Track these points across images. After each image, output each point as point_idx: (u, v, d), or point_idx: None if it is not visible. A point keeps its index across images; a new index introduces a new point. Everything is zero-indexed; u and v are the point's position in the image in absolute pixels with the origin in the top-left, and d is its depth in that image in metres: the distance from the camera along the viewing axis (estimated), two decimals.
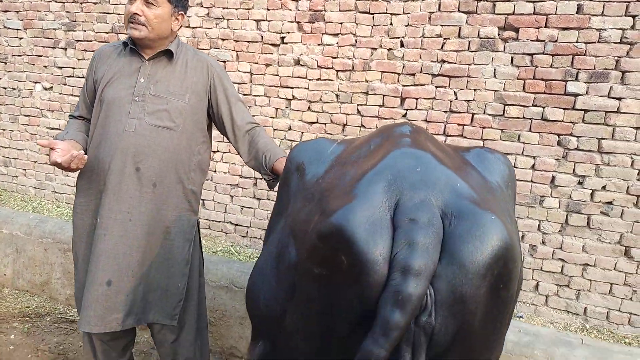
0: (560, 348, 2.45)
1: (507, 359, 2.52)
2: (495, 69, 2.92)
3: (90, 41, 3.97)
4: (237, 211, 3.69)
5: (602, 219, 2.80)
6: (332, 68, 3.28)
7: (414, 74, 3.09)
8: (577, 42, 2.74)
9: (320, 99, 3.35)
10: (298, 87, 3.40)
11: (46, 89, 4.23)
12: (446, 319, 1.05)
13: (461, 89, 3.01)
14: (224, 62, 3.56)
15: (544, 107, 2.85)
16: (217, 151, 3.69)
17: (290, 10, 3.36)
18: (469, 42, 2.95)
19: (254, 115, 3.50)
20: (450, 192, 1.11)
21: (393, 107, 3.18)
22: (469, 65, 2.96)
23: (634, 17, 2.63)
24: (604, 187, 2.79)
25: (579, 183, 2.85)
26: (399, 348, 1.08)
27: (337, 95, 3.31)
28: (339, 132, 3.34)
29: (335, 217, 1.07)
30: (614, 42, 2.67)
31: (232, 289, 2.99)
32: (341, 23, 3.23)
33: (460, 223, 1.06)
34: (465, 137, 3.02)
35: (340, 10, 3.22)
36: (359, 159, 1.29)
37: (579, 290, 2.89)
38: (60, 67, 4.13)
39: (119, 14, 3.84)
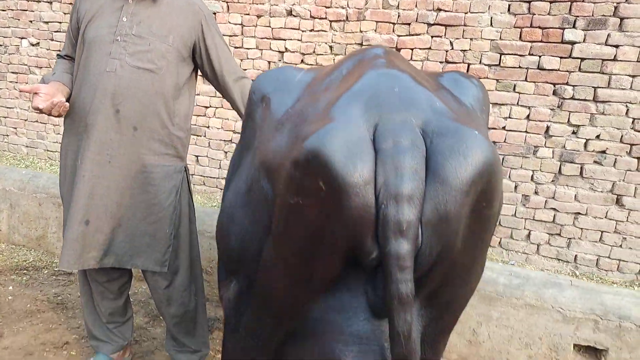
0: (549, 289, 2.51)
1: (498, 301, 2.59)
2: (492, 17, 2.87)
3: None
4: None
5: (595, 168, 2.82)
6: (326, 18, 3.22)
7: (409, 24, 3.04)
8: None
9: (314, 51, 3.30)
10: (291, 39, 3.34)
11: (33, 45, 4.13)
12: (430, 239, 1.02)
13: (457, 39, 2.96)
14: (215, 13, 3.47)
15: (540, 56, 2.82)
16: (210, 106, 3.65)
17: None
18: None
19: (245, 69, 3.46)
20: (430, 111, 1.07)
21: None
22: (465, 13, 2.91)
23: None
24: (597, 137, 2.80)
25: (573, 133, 2.85)
26: (377, 270, 1.06)
27: (330, 47, 3.26)
28: None
29: (310, 141, 1.01)
30: None
31: None
32: None
33: (442, 140, 1.02)
34: None
35: None
36: (332, 85, 1.22)
37: (570, 238, 2.94)
38: (47, 22, 4.02)
39: None
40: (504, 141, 2.98)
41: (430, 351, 1.25)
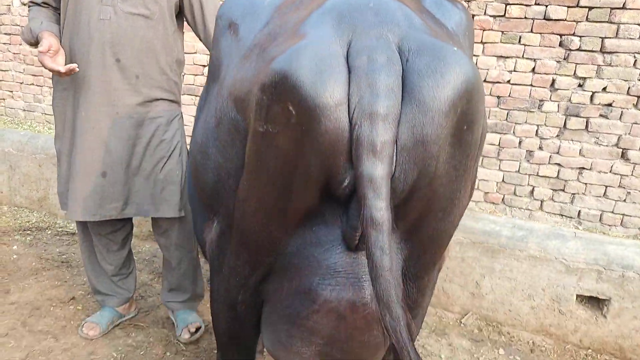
0: (553, 241, 2.51)
1: (501, 253, 2.59)
2: None
3: None
4: None
5: (600, 122, 2.79)
6: None
7: None
8: None
9: None
10: None
11: (24, 4, 4.02)
12: (406, 165, 0.95)
13: None
14: None
15: (546, 6, 2.74)
16: (207, 65, 3.58)
17: None
18: None
19: None
20: (407, 28, 0.99)
21: None
22: None
23: None
24: (604, 89, 2.75)
25: (579, 85, 2.80)
26: (350, 201, 1.01)
27: None
28: None
29: (277, 62, 0.93)
30: None
31: None
32: None
33: (419, 58, 0.94)
34: None
35: None
36: (303, 3, 1.14)
37: (574, 194, 2.92)
38: None
39: None
40: (509, 95, 2.93)
41: (415, 289, 1.21)
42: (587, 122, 2.81)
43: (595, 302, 2.53)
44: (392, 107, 0.91)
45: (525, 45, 2.85)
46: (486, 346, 2.52)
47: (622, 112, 2.74)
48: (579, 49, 2.74)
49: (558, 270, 2.51)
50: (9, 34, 4.14)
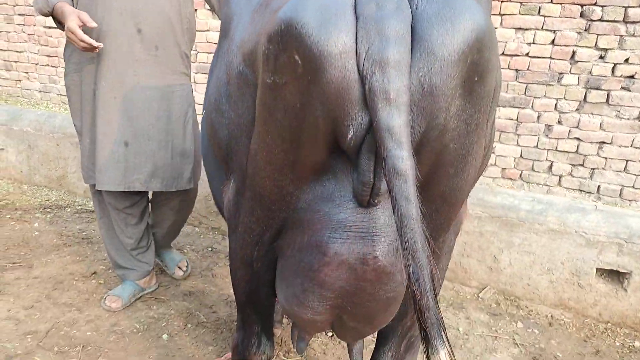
0: (573, 214, 2.49)
1: (520, 226, 2.58)
2: None
3: None
4: None
5: (622, 95, 2.73)
6: None
7: None
8: None
9: None
10: None
11: None
12: (414, 117, 0.93)
13: None
14: None
15: None
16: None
17: None
18: None
19: None
20: None
21: None
22: None
23: None
24: (626, 60, 2.69)
25: (601, 57, 2.74)
26: (359, 156, 0.99)
27: None
28: None
29: (284, 11, 0.91)
30: None
31: None
32: None
33: (429, 5, 0.91)
34: None
35: None
36: None
37: (593, 168, 2.88)
38: None
39: None
40: (527, 69, 2.88)
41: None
42: (608, 95, 2.76)
43: (616, 276, 2.51)
44: (403, 53, 0.89)
45: (544, 16, 2.79)
46: (504, 320, 2.52)
47: None
48: (600, 20, 2.68)
49: (578, 243, 2.49)
50: (23, 15, 4.15)
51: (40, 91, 4.32)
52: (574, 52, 2.77)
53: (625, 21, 2.64)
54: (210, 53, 3.57)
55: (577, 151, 2.90)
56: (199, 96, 3.63)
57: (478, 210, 2.66)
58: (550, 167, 2.98)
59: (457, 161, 1.05)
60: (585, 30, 2.73)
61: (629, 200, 2.84)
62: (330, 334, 2.29)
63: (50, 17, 1.99)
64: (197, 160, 2.26)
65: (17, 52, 4.31)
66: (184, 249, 3.02)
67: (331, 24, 0.88)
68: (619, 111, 2.77)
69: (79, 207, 3.46)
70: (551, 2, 2.75)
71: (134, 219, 2.32)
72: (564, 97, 2.86)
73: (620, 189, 2.85)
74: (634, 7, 2.60)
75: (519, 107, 2.94)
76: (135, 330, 2.19)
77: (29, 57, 4.28)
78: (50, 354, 1.98)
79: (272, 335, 1.58)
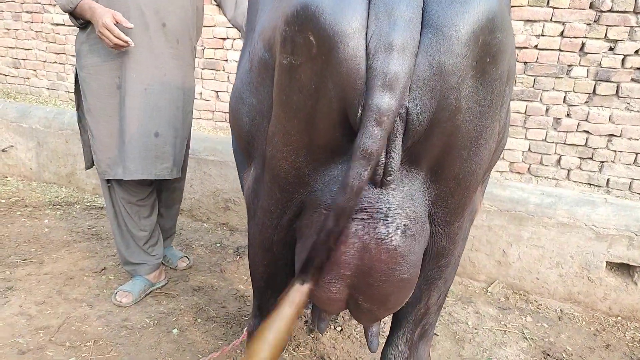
0: (582, 207, 2.47)
1: (529, 220, 2.57)
2: None
3: None
4: None
5: (632, 87, 2.70)
6: None
7: None
8: None
9: None
10: None
11: None
12: (423, 97, 0.95)
13: None
14: None
15: None
16: (227, 38, 3.56)
17: None
18: None
19: None
20: None
21: None
22: None
23: None
24: (636, 52, 2.66)
25: (610, 49, 2.71)
26: None
27: None
28: None
29: None
30: None
31: None
32: None
33: None
34: None
35: None
36: None
37: (603, 162, 2.86)
38: None
39: None
40: (536, 61, 2.86)
41: (444, 235, 1.22)
42: (617, 87, 2.73)
43: (626, 269, 2.50)
44: (410, 38, 0.91)
45: (553, 7, 2.76)
46: (513, 314, 2.51)
47: None
48: (610, 10, 2.65)
49: (587, 237, 2.47)
50: (31, 12, 4.17)
51: (48, 88, 4.35)
52: (583, 44, 2.75)
53: (635, 12, 2.60)
54: (217, 48, 3.57)
55: (586, 144, 2.87)
56: (205, 92, 3.63)
57: (487, 204, 2.65)
58: (559, 160, 2.95)
59: (471, 144, 1.06)
60: (594, 21, 2.70)
61: (639, 194, 2.82)
62: (339, 328, 2.29)
63: (68, 14, 2.05)
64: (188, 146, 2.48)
65: (25, 49, 4.33)
66: (192, 245, 3.03)
67: (345, 5, 0.92)
68: (628, 103, 2.74)
69: (88, 204, 3.48)
70: None
71: (147, 211, 2.38)
72: (573, 90, 2.83)
73: (630, 182, 2.82)
74: None
75: (527, 100, 2.92)
76: (145, 325, 2.21)
77: (37, 54, 4.30)
78: (62, 349, 2.00)
79: None
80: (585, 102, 2.83)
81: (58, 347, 2.01)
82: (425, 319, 1.43)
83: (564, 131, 2.91)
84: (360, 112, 0.97)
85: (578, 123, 2.87)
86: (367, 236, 1.10)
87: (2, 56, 4.43)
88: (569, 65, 2.80)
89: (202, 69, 3.57)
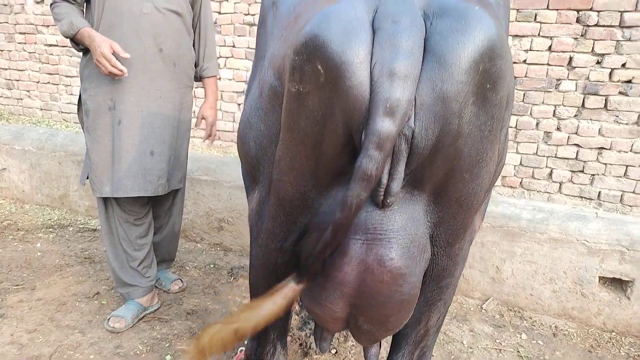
0: (574, 222, 2.47)
1: (521, 236, 2.57)
2: None
3: None
4: None
5: (620, 99, 2.72)
6: None
7: None
8: None
9: None
10: None
11: (38, 3, 4.06)
12: (426, 122, 0.99)
13: None
14: None
15: None
16: (220, 57, 3.58)
17: None
18: None
19: (254, 14, 3.37)
20: None
21: None
22: None
23: None
24: (623, 65, 2.68)
25: (598, 62, 2.73)
26: None
27: None
28: None
29: (309, 25, 1.00)
30: None
31: None
32: None
33: (441, 19, 0.98)
34: None
35: None
36: None
37: (594, 174, 2.87)
38: None
39: None
40: (525, 75, 2.88)
41: (445, 256, 1.25)
42: (606, 100, 2.75)
43: (619, 284, 2.49)
44: (412, 66, 0.95)
45: (541, 22, 2.78)
46: (508, 332, 2.50)
47: None
48: (596, 25, 2.67)
49: (580, 252, 2.47)
50: (24, 34, 4.19)
51: (41, 109, 4.36)
52: (571, 58, 2.77)
53: (621, 26, 2.63)
54: None
55: (576, 157, 2.89)
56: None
57: None
58: (551, 174, 2.96)
59: (472, 166, 1.10)
60: (581, 35, 2.72)
61: (630, 206, 2.83)
62: (334, 350, 2.28)
63: (69, 40, 2.14)
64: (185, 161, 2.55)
65: (19, 70, 4.35)
66: (186, 267, 3.02)
67: (352, 36, 0.97)
68: (617, 116, 2.75)
69: (82, 226, 3.47)
70: (547, 8, 2.74)
71: (143, 230, 2.41)
72: (562, 104, 2.85)
73: (621, 195, 2.83)
74: (629, 11, 2.59)
75: (517, 115, 2.94)
76: (138, 352, 2.20)
77: (31, 75, 4.31)
78: None
79: (286, 344, 1.63)
80: (575, 116, 2.84)
81: None
82: (424, 340, 1.45)
83: (554, 144, 2.92)
84: (364, 136, 1.00)
85: (568, 136, 2.88)
86: (369, 257, 1.13)
87: None
88: (558, 79, 2.82)
89: (195, 88, 3.58)
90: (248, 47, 3.49)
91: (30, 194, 3.82)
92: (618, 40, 2.65)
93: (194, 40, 2.42)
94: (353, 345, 2.30)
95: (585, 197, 2.91)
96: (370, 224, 1.13)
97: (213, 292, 2.74)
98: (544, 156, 2.95)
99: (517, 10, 2.79)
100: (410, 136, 1.00)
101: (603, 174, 2.85)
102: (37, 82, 4.31)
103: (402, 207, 1.12)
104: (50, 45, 4.13)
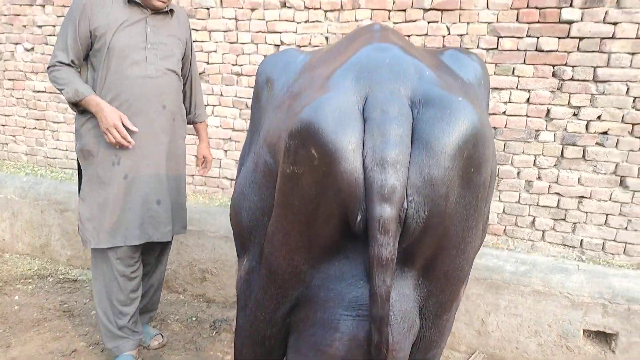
0: (556, 275, 2.48)
1: (505, 289, 2.56)
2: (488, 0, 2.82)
3: None
4: (231, 165, 3.66)
5: (597, 150, 2.78)
6: (320, 8, 3.17)
7: (404, 10, 2.99)
8: None
9: (310, 43, 3.25)
10: (286, 32, 3.29)
11: (28, 50, 4.10)
12: (417, 203, 1.05)
13: (454, 23, 2.91)
14: (208, 9, 3.44)
15: (538, 37, 2.77)
16: (207, 104, 3.62)
17: None
18: None
19: (241, 65, 3.44)
20: (418, 80, 1.11)
21: None
22: None
23: None
24: (599, 117, 2.75)
25: (574, 114, 2.80)
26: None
27: (326, 38, 3.21)
28: None
29: (304, 112, 1.06)
30: None
31: (231, 238, 2.99)
32: None
33: (427, 109, 1.05)
34: None
35: None
36: (329, 60, 1.28)
37: (575, 223, 2.90)
38: (40, 26, 3.99)
39: None
40: (505, 126, 2.94)
41: (433, 328, 1.27)
42: (584, 150, 2.81)
43: (603, 337, 2.48)
44: (402, 153, 1.02)
45: (518, 76, 2.86)
46: None
47: (617, 139, 2.73)
48: (571, 79, 2.76)
49: (563, 305, 2.47)
50: (13, 80, 4.21)
51: (27, 154, 4.34)
52: (548, 110, 2.84)
53: (595, 80, 2.71)
54: None
55: (558, 206, 2.92)
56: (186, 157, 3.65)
57: None
58: (533, 222, 2.99)
59: (459, 243, 1.16)
60: (558, 89, 2.80)
61: (612, 254, 2.85)
62: None
63: (70, 103, 2.23)
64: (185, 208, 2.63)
65: (5, 115, 4.34)
66: (167, 319, 2.96)
67: (345, 125, 1.04)
68: (595, 166, 2.81)
69: (62, 277, 3.41)
70: (524, 63, 2.83)
71: (137, 284, 2.44)
72: (542, 153, 2.90)
73: (603, 243, 2.86)
74: (602, 67, 2.68)
75: (499, 164, 2.98)
76: None
77: (17, 120, 4.31)
78: None
79: None
80: (555, 165, 2.89)
81: None
82: None
83: (536, 193, 2.96)
84: (359, 217, 1.07)
85: (549, 185, 2.92)
86: (360, 333, 1.16)
87: None
88: (537, 130, 2.89)
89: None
90: (235, 96, 3.54)
91: (11, 243, 3.76)
92: (592, 94, 2.73)
93: (184, 91, 2.57)
94: None
95: (568, 245, 2.93)
96: (361, 300, 1.16)
97: (194, 348, 2.68)
98: (526, 204, 2.98)
99: (496, 64, 2.88)
100: (404, 217, 1.05)
101: (584, 223, 2.88)
102: (24, 127, 4.30)
103: (392, 284, 1.13)
104: (39, 91, 4.15)
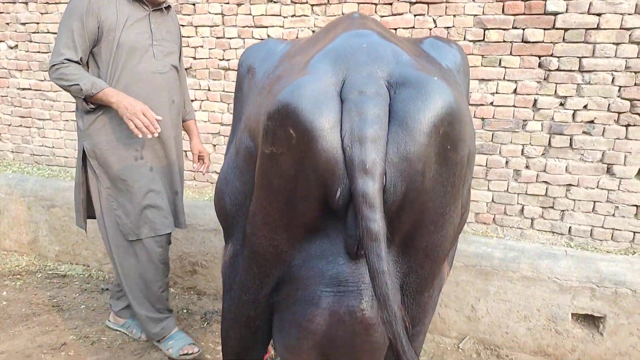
0: (545, 260, 2.51)
1: (494, 274, 2.59)
2: None
3: None
4: (220, 160, 3.65)
5: (584, 139, 2.82)
6: (307, 2, 3.18)
7: (391, 3, 3.01)
8: None
9: (297, 37, 3.26)
10: (273, 26, 3.30)
11: (11, 48, 4.06)
12: (395, 178, 1.08)
13: (440, 16, 2.94)
14: (194, 4, 3.43)
15: (524, 29, 2.81)
16: (195, 99, 3.61)
17: None
18: None
19: (228, 60, 3.44)
20: (395, 64, 1.14)
21: None
22: None
23: None
24: (585, 107, 2.79)
25: (561, 104, 2.85)
26: (347, 212, 1.12)
27: (313, 32, 3.22)
28: None
29: (282, 94, 1.09)
30: None
31: (220, 231, 2.98)
32: None
33: (404, 89, 1.08)
34: None
35: None
36: (309, 48, 1.31)
37: (563, 210, 2.94)
38: (24, 24, 3.95)
39: None
40: (493, 117, 2.97)
41: (415, 305, 1.30)
42: (571, 139, 2.85)
43: (591, 320, 2.52)
44: (380, 130, 1.04)
45: (505, 67, 2.90)
46: None
47: (604, 128, 2.78)
48: (558, 69, 2.80)
49: (552, 289, 2.50)
50: None
51: (12, 151, 4.29)
52: (535, 100, 2.88)
53: (580, 70, 2.76)
54: None
55: (546, 194, 2.96)
56: None
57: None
58: (522, 210, 3.03)
59: (437, 219, 1.19)
60: (544, 79, 2.84)
61: (600, 240, 2.89)
62: None
63: (81, 99, 2.21)
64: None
65: None
66: None
67: (322, 105, 1.06)
68: (582, 154, 2.85)
69: (50, 272, 3.37)
70: (510, 54, 2.87)
71: (167, 269, 2.55)
72: (530, 143, 2.94)
73: (591, 230, 2.90)
74: (587, 57, 2.73)
75: (487, 154, 3.02)
76: None
77: (2, 118, 4.26)
78: None
79: None
80: (542, 154, 2.93)
81: None
82: None
83: (524, 182, 2.99)
84: (338, 193, 1.09)
85: (537, 174, 2.96)
86: (341, 308, 1.19)
87: None
88: (524, 120, 2.92)
89: None
90: (223, 91, 3.53)
91: None
92: (579, 84, 2.77)
93: None
94: None
95: (556, 233, 2.97)
96: (341, 277, 1.18)
97: None
98: (514, 193, 3.02)
99: (482, 56, 2.91)
100: (382, 192, 1.06)
101: (572, 210, 2.92)
102: (9, 125, 4.25)
103: (388, 257, 1.15)
104: (23, 88, 4.11)
